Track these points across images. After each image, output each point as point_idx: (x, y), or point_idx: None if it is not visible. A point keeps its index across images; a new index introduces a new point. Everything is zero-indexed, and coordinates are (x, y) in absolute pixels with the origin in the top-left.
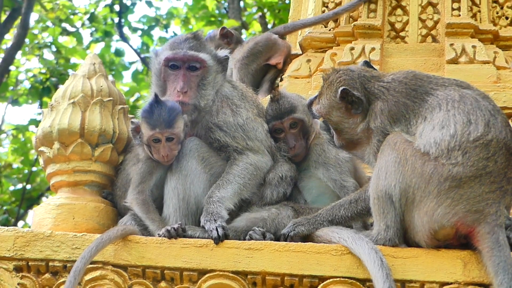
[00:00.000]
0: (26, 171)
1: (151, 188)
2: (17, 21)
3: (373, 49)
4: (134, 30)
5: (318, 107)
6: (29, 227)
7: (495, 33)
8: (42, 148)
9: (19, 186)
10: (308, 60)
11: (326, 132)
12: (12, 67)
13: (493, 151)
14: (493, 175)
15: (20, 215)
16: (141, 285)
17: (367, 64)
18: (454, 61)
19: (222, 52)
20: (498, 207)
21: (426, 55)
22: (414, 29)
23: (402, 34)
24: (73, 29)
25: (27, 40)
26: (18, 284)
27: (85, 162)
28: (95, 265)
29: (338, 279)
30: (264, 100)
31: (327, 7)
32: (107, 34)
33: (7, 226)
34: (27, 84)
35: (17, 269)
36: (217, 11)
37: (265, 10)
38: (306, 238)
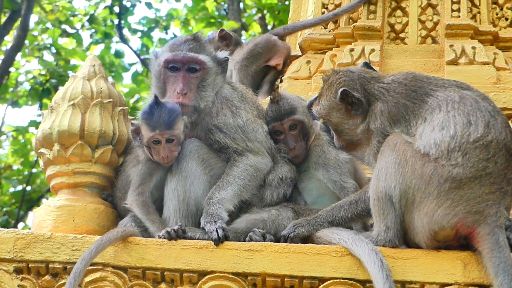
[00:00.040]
0: (26, 172)
1: (151, 190)
2: (17, 23)
3: (372, 50)
4: (134, 31)
5: (318, 108)
6: (29, 228)
7: (494, 34)
8: (42, 150)
9: (19, 187)
10: (308, 62)
11: (326, 133)
12: (12, 69)
13: (493, 152)
14: (493, 176)
15: (20, 216)
16: (141, 286)
17: (367, 65)
18: (454, 62)
19: (222, 54)
20: (498, 208)
21: (426, 56)
22: (414, 30)
23: (401, 35)
24: (73, 31)
25: (27, 41)
26: (18, 286)
27: (85, 164)
28: (95, 267)
29: (338, 280)
30: (264, 101)
31: (326, 8)
32: (107, 36)
33: (7, 228)
34: (27, 86)
35: (17, 271)
36: (216, 13)
37: (265, 11)
38: (306, 239)
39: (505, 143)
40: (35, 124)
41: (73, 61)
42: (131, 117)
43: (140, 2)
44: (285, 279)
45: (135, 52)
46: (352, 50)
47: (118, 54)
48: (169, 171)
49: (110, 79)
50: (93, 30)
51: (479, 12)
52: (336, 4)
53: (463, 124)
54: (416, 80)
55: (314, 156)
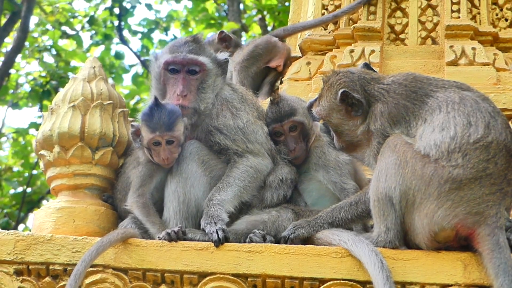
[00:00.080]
0: (26, 174)
1: (151, 191)
2: (17, 25)
3: (372, 51)
4: (134, 33)
5: (318, 109)
6: (30, 230)
7: (494, 35)
8: (42, 152)
9: (20, 189)
10: (308, 63)
11: (326, 134)
12: (12, 70)
13: (493, 153)
14: (493, 177)
15: (21, 218)
16: None
17: (367, 66)
18: (453, 63)
19: (222, 55)
20: (498, 209)
21: (425, 57)
22: (414, 31)
23: (401, 36)
24: (73, 32)
25: (27, 43)
26: (19, 287)
27: (85, 166)
28: (95, 269)
29: (338, 281)
30: (264, 102)
31: (326, 9)
32: (107, 37)
33: (8, 230)
34: (27, 87)
35: (18, 273)
36: (217, 14)
37: (265, 12)
38: (307, 240)
39: (505, 144)
40: (36, 125)
41: (73, 63)
42: (131, 119)
43: (140, 3)
44: (286, 280)
45: (135, 53)
46: (352, 51)
47: (118, 56)
48: (169, 172)
49: (110, 80)
50: (93, 32)
51: (479, 13)
52: (336, 5)
53: (463, 125)
54: (416, 81)
55: (314, 158)
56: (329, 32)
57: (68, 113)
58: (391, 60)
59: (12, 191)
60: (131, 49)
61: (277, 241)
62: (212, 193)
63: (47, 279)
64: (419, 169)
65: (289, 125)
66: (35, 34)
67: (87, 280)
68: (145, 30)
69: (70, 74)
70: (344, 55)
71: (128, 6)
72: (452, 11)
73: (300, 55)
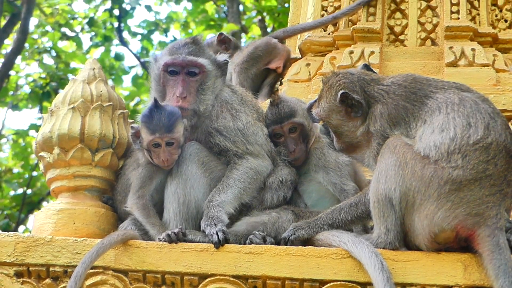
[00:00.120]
0: (26, 175)
1: (151, 193)
2: (17, 26)
3: (372, 52)
4: (134, 34)
5: (317, 110)
6: (30, 231)
7: (494, 36)
8: (42, 153)
9: (20, 191)
10: (308, 64)
11: (326, 135)
12: (12, 72)
13: (493, 154)
14: (493, 178)
15: (21, 220)
16: None
17: (367, 67)
18: (453, 64)
19: (221, 57)
20: (498, 210)
21: (425, 58)
22: (413, 33)
23: (401, 37)
24: (72, 34)
25: (26, 45)
26: None
27: (85, 167)
28: (95, 270)
29: (338, 282)
30: (264, 104)
31: (326, 11)
32: (106, 39)
33: (8, 231)
34: (27, 89)
35: (18, 275)
36: (216, 15)
37: (265, 14)
38: (307, 242)
39: (505, 145)
40: (36, 127)
41: (73, 64)
42: (131, 120)
43: (139, 5)
44: (286, 282)
45: (135, 55)
46: (351, 52)
47: (118, 57)
48: (169, 174)
49: (110, 82)
50: (93, 33)
51: (478, 14)
52: (336, 7)
53: (463, 126)
54: (415, 82)
55: (314, 159)
56: (329, 34)
57: (68, 114)
58: (390, 61)
59: (12, 193)
60: (131, 51)
61: (277, 242)
62: (212, 195)
63: (48, 280)
64: (419, 170)
65: (289, 126)
66: (35, 36)
67: (88, 282)
68: (145, 31)
69: (70, 76)
70: (344, 56)
71: (128, 7)
72: (452, 12)
73: (300, 56)
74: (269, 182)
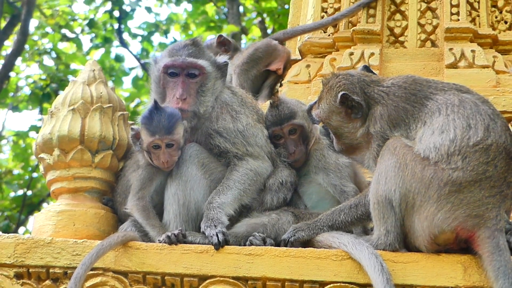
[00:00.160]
0: (26, 177)
1: (151, 194)
2: (17, 28)
3: (372, 54)
4: (134, 36)
5: (317, 111)
6: (30, 233)
7: (494, 38)
8: (42, 155)
9: (20, 192)
10: (308, 66)
11: (326, 137)
12: (12, 74)
13: (493, 155)
14: (493, 179)
15: (21, 221)
16: None
17: (367, 68)
18: (453, 65)
19: (221, 58)
20: (498, 211)
21: (425, 60)
22: (413, 34)
23: (401, 39)
24: (72, 35)
25: (27, 46)
26: None
27: (85, 169)
28: (95, 272)
29: (338, 284)
30: (264, 105)
31: (326, 12)
32: (107, 40)
33: (8, 232)
34: (27, 90)
35: (18, 276)
36: (216, 17)
37: (265, 15)
38: (307, 243)
39: (505, 146)
40: (36, 128)
41: (73, 66)
42: (131, 122)
43: (140, 6)
44: (286, 283)
45: (135, 56)
46: (351, 54)
47: (118, 59)
48: (169, 175)
49: (110, 83)
50: (93, 35)
51: (478, 15)
52: (336, 8)
53: (463, 128)
54: (415, 83)
55: (314, 160)
56: (329, 35)
57: (68, 116)
58: (390, 62)
59: (12, 194)
60: (131, 52)
61: (277, 244)
62: (212, 196)
63: (47, 282)
64: (419, 171)
65: (289, 128)
66: (35, 37)
67: (88, 283)
68: (145, 33)
69: (70, 77)
70: (344, 58)
71: (128, 9)
72: (452, 14)
73: (300, 58)
74: (269, 183)
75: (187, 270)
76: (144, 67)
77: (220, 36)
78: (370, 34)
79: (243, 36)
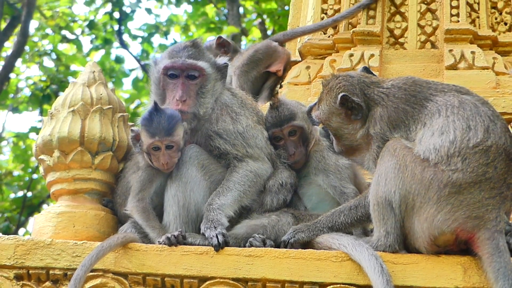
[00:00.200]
0: (26, 178)
1: (151, 196)
2: (17, 29)
3: (372, 55)
4: (134, 37)
5: (317, 113)
6: (30, 234)
7: (494, 39)
8: (42, 156)
9: (20, 193)
10: (308, 67)
11: (325, 138)
12: (12, 75)
13: (492, 157)
14: (492, 181)
15: (21, 222)
16: None
17: (367, 70)
18: (453, 67)
19: (221, 60)
20: (498, 213)
21: (425, 61)
22: (413, 35)
23: (401, 40)
24: (73, 37)
25: (27, 47)
26: None
27: (85, 170)
28: (95, 273)
29: (338, 285)
30: (264, 107)
31: (326, 14)
32: (107, 42)
33: (8, 234)
34: (27, 92)
35: (18, 278)
36: (216, 18)
37: (265, 16)
38: (306, 244)
39: (505, 148)
40: (36, 130)
41: (73, 67)
42: (131, 123)
43: (140, 8)
44: (286, 285)
45: (135, 57)
46: (351, 55)
47: (118, 60)
48: (169, 177)
49: (110, 85)
50: (93, 36)
51: (478, 17)
52: (336, 10)
53: (463, 129)
54: (415, 85)
55: (314, 162)
56: (329, 37)
57: (68, 117)
58: (390, 64)
59: (12, 195)
60: (131, 54)
61: (277, 245)
62: (212, 198)
63: (47, 283)
64: (419, 173)
65: (289, 129)
66: (35, 39)
67: (87, 285)
68: (145, 34)
69: (70, 79)
70: (344, 59)
71: (128, 10)
72: (452, 15)
73: (300, 59)
74: (269, 185)
75: (187, 271)
76: (144, 68)
77: (220, 37)
78: (370, 35)
79: (243, 38)
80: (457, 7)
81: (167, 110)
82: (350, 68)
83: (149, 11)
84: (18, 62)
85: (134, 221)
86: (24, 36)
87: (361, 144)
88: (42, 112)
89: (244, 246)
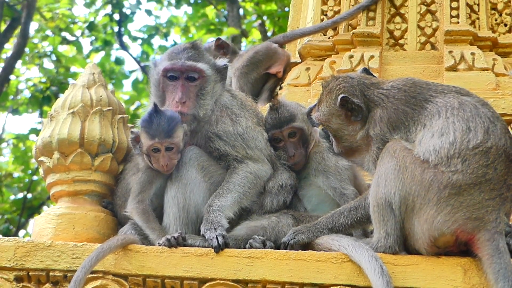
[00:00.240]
0: (26, 180)
1: (151, 197)
2: (17, 31)
3: (372, 57)
4: (134, 38)
5: (317, 114)
6: (30, 236)
7: (494, 40)
8: (42, 158)
9: (20, 195)
10: (307, 68)
11: (325, 140)
12: (12, 76)
13: (492, 158)
14: (492, 182)
15: (21, 224)
16: None
17: (367, 71)
18: (453, 68)
19: (221, 61)
20: (498, 214)
21: (425, 63)
22: (413, 37)
23: (401, 41)
24: (73, 38)
25: (27, 49)
26: None
27: (85, 172)
28: (95, 275)
29: (338, 287)
30: (264, 108)
31: (326, 15)
32: (107, 43)
33: (8, 235)
34: (27, 93)
35: (18, 279)
36: (216, 20)
37: (265, 18)
38: (306, 246)
39: (505, 149)
40: (36, 131)
41: (73, 69)
42: (131, 125)
43: (140, 9)
44: (286, 286)
45: (135, 59)
46: (351, 56)
47: (118, 61)
48: (169, 178)
49: (110, 86)
50: (93, 38)
51: (478, 18)
52: (335, 11)
53: (463, 131)
54: (415, 86)
55: (313, 163)
56: (328, 38)
57: (68, 119)
58: (390, 65)
59: (12, 197)
60: (131, 55)
61: (277, 246)
62: (212, 199)
63: (47, 285)
64: (419, 174)
65: (289, 131)
66: (35, 40)
67: (87, 287)
68: (145, 36)
69: (70, 80)
70: (343, 60)
71: (128, 12)
72: (451, 17)
73: (299, 60)
74: (269, 186)
75: (187, 273)
76: (144, 70)
77: (218, 39)
78: (370, 37)
79: (243, 39)
80: (457, 8)
81: (167, 112)
82: (350, 69)
83: (149, 12)
84: (18, 64)
85: (134, 222)
86: (24, 38)
87: (361, 145)
88: (42, 114)
89: (244, 248)
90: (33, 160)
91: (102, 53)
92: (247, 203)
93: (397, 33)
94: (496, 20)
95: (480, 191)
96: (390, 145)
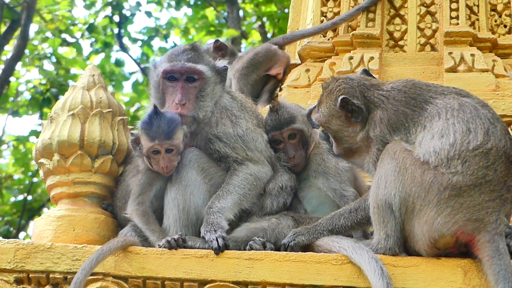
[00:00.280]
0: (27, 182)
1: (151, 199)
2: (17, 32)
3: (371, 58)
4: (134, 40)
5: (317, 115)
6: (31, 238)
7: (493, 41)
8: (42, 160)
9: (20, 197)
10: (307, 70)
11: (325, 141)
12: (12, 78)
13: (492, 159)
14: (492, 183)
15: (22, 226)
16: None
17: (366, 72)
18: (453, 69)
19: (221, 63)
20: (498, 215)
21: (425, 64)
22: (413, 38)
23: (400, 43)
24: (73, 40)
25: (27, 51)
26: None
27: (85, 174)
28: (95, 277)
29: None
30: (264, 110)
31: (325, 16)
32: (107, 45)
33: (9, 237)
34: (27, 95)
35: (18, 281)
36: (216, 21)
37: (265, 19)
38: (307, 247)
39: (505, 150)
40: (36, 133)
41: (73, 70)
42: (130, 127)
43: (140, 11)
44: None
45: (135, 61)
46: (351, 58)
47: (118, 63)
48: (169, 180)
49: (110, 88)
50: (93, 39)
51: (477, 19)
52: (335, 13)
53: (463, 132)
54: (415, 87)
55: (314, 165)
56: (328, 39)
57: (68, 121)
58: (390, 66)
59: (12, 199)
60: (131, 57)
61: (277, 248)
62: (212, 201)
63: (48, 287)
64: (419, 176)
65: (289, 132)
66: (35, 42)
67: None
68: (145, 37)
69: (70, 82)
70: (343, 62)
71: (128, 13)
72: (451, 18)
73: (299, 62)
74: (269, 188)
75: (187, 274)
76: (144, 71)
77: (217, 41)
78: (370, 38)
79: (243, 40)
80: (457, 9)
81: (166, 114)
82: (349, 70)
83: (149, 14)
84: (18, 66)
85: (134, 224)
86: (24, 40)
87: (361, 146)
88: (42, 116)
89: (244, 249)
90: (33, 162)
91: (102, 55)
92: (247, 204)
93: (396, 35)
94: (495, 21)
95: (480, 192)
96: (390, 146)
